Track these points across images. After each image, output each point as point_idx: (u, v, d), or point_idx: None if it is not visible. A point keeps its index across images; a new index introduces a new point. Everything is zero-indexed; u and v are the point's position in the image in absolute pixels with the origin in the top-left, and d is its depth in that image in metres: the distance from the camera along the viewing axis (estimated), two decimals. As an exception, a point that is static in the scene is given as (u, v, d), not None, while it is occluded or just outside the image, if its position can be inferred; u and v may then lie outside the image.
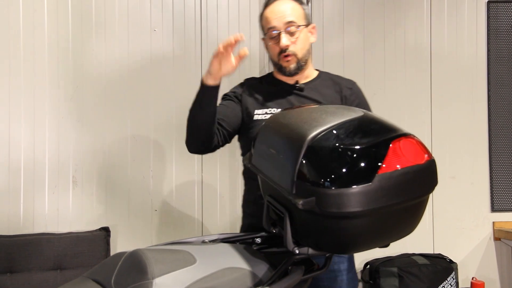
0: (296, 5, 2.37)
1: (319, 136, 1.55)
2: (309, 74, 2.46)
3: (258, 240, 1.88)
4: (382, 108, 3.71)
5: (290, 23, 2.33)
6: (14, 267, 3.05)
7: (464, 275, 4.02)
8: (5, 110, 3.27)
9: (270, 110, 2.35)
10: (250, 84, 2.52)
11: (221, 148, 3.66)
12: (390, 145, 1.52)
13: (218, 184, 3.72)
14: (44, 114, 3.34)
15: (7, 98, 3.27)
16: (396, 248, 3.85)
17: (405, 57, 4.03)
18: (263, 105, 2.38)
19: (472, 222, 4.08)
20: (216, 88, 2.23)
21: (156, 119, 3.58)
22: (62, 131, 3.38)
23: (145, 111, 3.55)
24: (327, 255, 1.72)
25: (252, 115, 2.37)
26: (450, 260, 3.78)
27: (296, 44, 2.34)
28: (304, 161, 1.52)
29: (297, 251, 1.63)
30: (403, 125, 1.63)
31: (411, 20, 4.04)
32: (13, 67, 3.28)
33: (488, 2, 4.13)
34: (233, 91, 2.51)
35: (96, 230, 3.32)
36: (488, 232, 4.08)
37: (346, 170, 1.48)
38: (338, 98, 2.38)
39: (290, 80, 2.43)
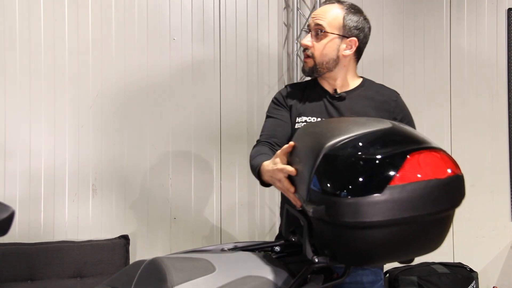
0: (338, 13, 2.32)
1: (338, 145, 1.54)
2: (350, 82, 2.40)
3: (277, 248, 1.87)
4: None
5: (318, 26, 2.31)
6: (34, 275, 3.07)
7: (485, 284, 3.98)
8: (26, 119, 3.30)
9: (309, 119, 2.33)
10: (294, 90, 2.47)
11: (239, 156, 3.69)
12: (408, 156, 1.49)
13: (236, 193, 3.72)
14: (64, 123, 3.37)
15: (28, 107, 3.30)
16: (416, 256, 3.83)
17: (425, 57, 4.01)
18: (303, 114, 2.35)
19: (492, 230, 4.04)
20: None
21: (175, 128, 3.59)
22: (82, 139, 3.40)
23: (164, 120, 3.57)
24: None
25: (294, 124, 2.36)
26: (471, 269, 3.75)
27: (315, 48, 2.32)
28: (319, 169, 1.52)
29: (316, 260, 1.62)
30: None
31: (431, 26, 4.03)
32: (33, 76, 3.32)
33: (509, 10, 4.11)
34: (281, 97, 2.46)
35: (115, 238, 3.33)
36: (509, 240, 4.05)
37: (356, 179, 1.47)
38: (382, 110, 2.33)
39: (328, 86, 2.40)
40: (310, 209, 1.49)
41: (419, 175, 1.48)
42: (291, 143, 1.85)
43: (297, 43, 3.88)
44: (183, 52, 3.64)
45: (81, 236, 3.35)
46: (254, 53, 3.84)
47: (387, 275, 3.70)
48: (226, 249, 1.88)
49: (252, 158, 2.22)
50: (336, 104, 2.35)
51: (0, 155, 3.24)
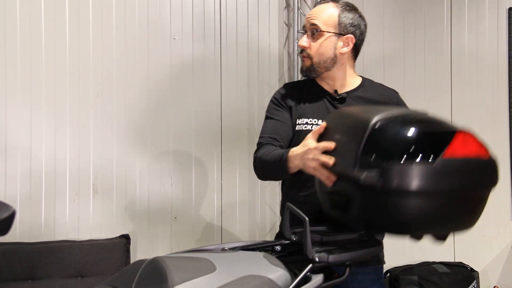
0: (333, 11, 2.32)
1: (389, 116, 1.65)
2: (349, 81, 2.39)
3: (278, 247, 1.88)
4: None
5: (313, 26, 2.30)
6: (35, 274, 3.07)
7: (486, 284, 3.98)
8: (26, 119, 3.29)
9: (310, 121, 2.31)
10: (292, 90, 2.45)
11: (240, 155, 3.69)
12: (456, 134, 1.62)
13: (237, 192, 3.72)
14: (65, 123, 3.37)
15: (28, 106, 3.30)
16: (416, 256, 3.83)
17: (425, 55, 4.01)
18: (304, 115, 2.34)
19: (493, 230, 4.04)
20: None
21: (176, 127, 3.60)
22: (83, 139, 3.40)
23: (165, 119, 3.57)
24: (347, 263, 1.72)
25: (295, 125, 2.34)
26: (471, 268, 3.75)
27: (312, 48, 2.31)
28: (371, 136, 1.60)
29: (317, 259, 1.63)
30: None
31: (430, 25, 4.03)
32: (34, 76, 3.31)
33: (510, 9, 4.11)
34: (281, 97, 2.44)
35: (116, 238, 3.33)
36: (510, 240, 4.05)
37: (412, 147, 1.58)
38: None
39: (327, 87, 2.39)
40: (362, 175, 1.57)
41: (466, 152, 1.63)
42: (323, 123, 1.91)
43: (297, 43, 3.87)
44: (183, 51, 3.64)
45: (82, 236, 3.35)
46: (255, 53, 3.84)
47: (388, 274, 3.70)
48: (227, 248, 1.89)
49: (266, 155, 2.21)
50: (337, 105, 2.33)
51: (1, 155, 3.24)
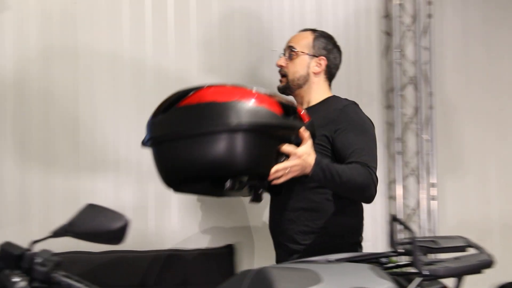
0: (308, 35, 2.68)
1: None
2: (315, 98, 2.65)
3: (385, 259, 1.85)
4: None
5: (290, 47, 2.66)
6: (145, 282, 3.16)
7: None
8: (136, 128, 3.26)
9: None
10: None
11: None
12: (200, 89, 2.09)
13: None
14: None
15: (136, 118, 3.29)
16: None
17: None
18: None
19: None
20: None
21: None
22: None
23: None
24: (458, 276, 1.67)
25: None
26: None
27: (288, 67, 2.64)
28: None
29: (427, 272, 1.60)
30: None
31: None
32: (141, 86, 3.41)
33: None
34: None
35: (221, 247, 3.39)
36: None
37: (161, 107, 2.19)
38: (328, 120, 2.49)
39: (298, 103, 2.63)
40: None
41: (201, 99, 2.03)
42: None
43: (398, 52, 3.84)
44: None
45: (188, 245, 3.41)
46: (354, 62, 3.81)
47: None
48: (332, 260, 1.88)
49: None
50: None
51: (114, 165, 3.36)
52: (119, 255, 3.19)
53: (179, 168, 2.11)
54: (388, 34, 3.92)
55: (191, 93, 2.05)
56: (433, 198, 3.87)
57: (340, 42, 3.73)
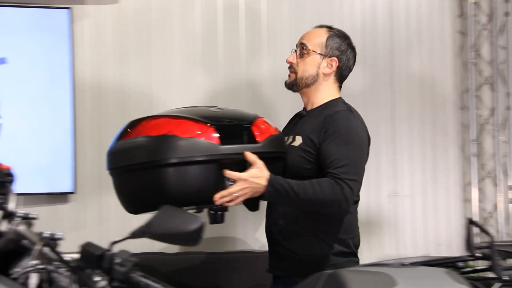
0: (322, 33, 2.53)
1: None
2: (320, 100, 2.53)
3: (461, 263, 1.82)
4: None
5: (302, 45, 2.53)
6: (217, 283, 3.22)
7: None
8: None
9: (285, 138, 2.52)
10: None
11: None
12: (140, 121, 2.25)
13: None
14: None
15: None
16: None
17: None
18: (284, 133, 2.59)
19: None
20: None
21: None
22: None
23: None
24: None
25: None
26: None
27: (298, 65, 2.52)
28: None
29: (506, 278, 1.56)
30: None
31: None
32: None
33: None
34: None
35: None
36: None
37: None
38: (320, 125, 2.42)
39: (304, 103, 2.60)
40: None
41: (137, 134, 2.19)
42: None
43: (473, 52, 3.76)
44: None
45: (257, 246, 3.43)
46: (427, 63, 3.76)
47: None
48: (406, 263, 1.85)
49: None
50: (299, 122, 2.56)
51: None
52: (191, 256, 3.27)
53: (126, 199, 2.29)
54: (463, 33, 3.84)
55: (134, 125, 2.23)
56: (511, 202, 3.78)
57: (412, 42, 3.73)
